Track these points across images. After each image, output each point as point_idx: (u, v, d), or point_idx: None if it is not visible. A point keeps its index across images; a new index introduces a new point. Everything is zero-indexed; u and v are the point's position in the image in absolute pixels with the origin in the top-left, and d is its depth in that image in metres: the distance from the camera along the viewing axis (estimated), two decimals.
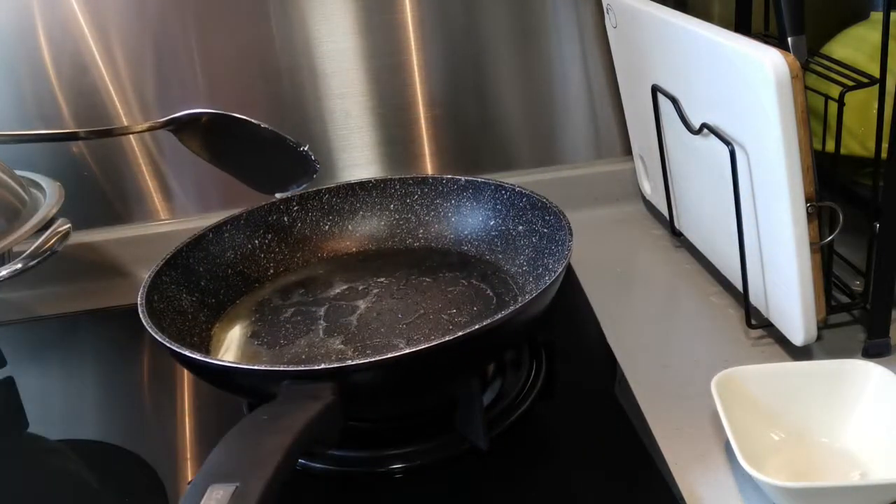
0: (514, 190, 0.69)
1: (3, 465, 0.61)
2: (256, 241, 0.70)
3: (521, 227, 0.68)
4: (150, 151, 0.86)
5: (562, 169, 0.91)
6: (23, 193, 0.70)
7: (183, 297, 0.62)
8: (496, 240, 0.70)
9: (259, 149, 0.61)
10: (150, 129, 0.60)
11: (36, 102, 0.83)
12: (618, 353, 0.66)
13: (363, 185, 0.74)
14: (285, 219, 0.72)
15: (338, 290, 0.67)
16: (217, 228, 0.68)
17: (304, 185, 0.69)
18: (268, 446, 0.41)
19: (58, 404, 0.69)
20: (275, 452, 0.41)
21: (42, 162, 0.83)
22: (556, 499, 0.52)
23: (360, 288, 0.67)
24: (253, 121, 0.60)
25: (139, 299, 0.56)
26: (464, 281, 0.67)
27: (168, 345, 0.52)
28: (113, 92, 0.83)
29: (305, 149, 0.62)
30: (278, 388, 0.47)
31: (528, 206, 0.68)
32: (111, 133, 0.63)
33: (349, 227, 0.74)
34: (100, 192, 0.87)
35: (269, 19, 0.83)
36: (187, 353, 0.51)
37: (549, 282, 0.54)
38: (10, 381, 0.71)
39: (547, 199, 0.66)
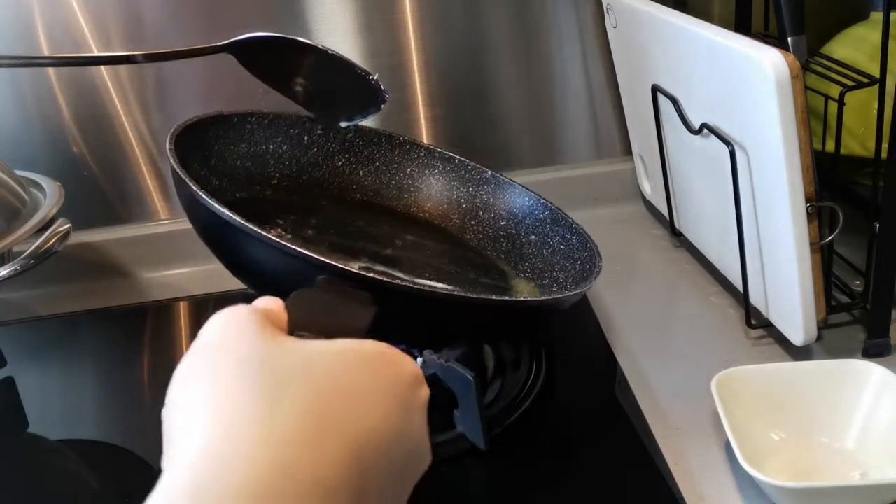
0: (538, 201, 0.68)
1: (3, 465, 0.61)
2: (272, 146, 0.68)
3: (533, 237, 0.68)
4: (150, 151, 0.86)
5: (562, 169, 0.91)
6: (23, 193, 0.70)
7: (194, 165, 0.60)
8: (502, 240, 0.70)
9: (324, 76, 0.58)
10: (209, 53, 0.56)
11: (36, 102, 0.83)
12: (618, 353, 0.66)
13: (390, 139, 0.72)
14: (305, 137, 0.70)
15: (345, 230, 0.66)
16: (242, 116, 0.66)
17: (371, 115, 0.66)
18: (351, 320, 0.39)
19: (58, 404, 0.69)
20: (360, 331, 0.39)
21: (42, 162, 0.83)
22: (556, 499, 0.52)
23: (366, 235, 0.66)
24: (319, 46, 0.57)
25: (169, 143, 0.54)
26: (467, 266, 0.66)
27: (208, 202, 0.48)
28: (113, 92, 0.83)
29: (374, 78, 0.59)
30: (313, 279, 0.44)
31: (549, 220, 0.67)
32: (167, 56, 0.59)
33: (360, 172, 0.72)
34: (100, 192, 0.87)
35: (270, 20, 0.83)
36: (234, 217, 0.47)
37: (587, 286, 0.56)
38: (10, 381, 0.71)
39: (573, 220, 0.66)
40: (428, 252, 0.66)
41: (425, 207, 0.72)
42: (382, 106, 0.64)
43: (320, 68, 0.58)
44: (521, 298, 0.50)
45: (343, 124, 0.67)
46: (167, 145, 0.54)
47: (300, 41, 0.57)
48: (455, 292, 0.48)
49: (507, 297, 0.49)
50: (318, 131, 0.70)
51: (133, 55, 0.58)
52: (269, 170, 0.68)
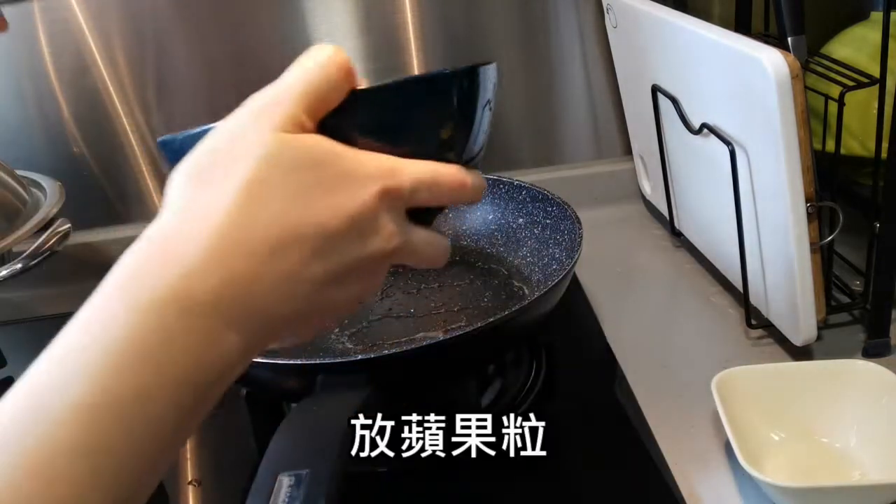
0: (512, 184, 0.70)
1: None
2: None
3: (521, 220, 0.69)
4: (150, 151, 0.86)
5: (562, 169, 0.91)
6: (23, 193, 0.70)
7: None
8: (496, 233, 0.71)
9: None
10: None
11: (36, 102, 0.83)
12: (618, 353, 0.66)
13: None
14: None
15: None
16: None
17: None
18: (327, 433, 0.42)
19: None
20: (336, 438, 0.41)
21: (43, 162, 0.83)
22: (556, 499, 0.52)
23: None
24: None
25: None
26: (469, 274, 0.67)
27: None
28: (113, 92, 0.83)
29: None
30: (314, 381, 0.47)
31: (527, 199, 0.69)
32: None
33: None
34: (100, 192, 0.87)
35: (270, 19, 0.83)
36: None
37: (571, 264, 0.56)
38: (10, 382, 0.70)
39: (548, 191, 0.67)
40: (430, 277, 0.68)
41: None
42: None
43: None
44: (511, 310, 0.50)
45: None
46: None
47: None
48: (437, 339, 0.49)
49: (496, 316, 0.50)
50: None
51: None
52: None
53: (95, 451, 0.26)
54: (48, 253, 0.64)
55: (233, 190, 0.29)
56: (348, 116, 0.32)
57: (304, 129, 0.31)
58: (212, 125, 0.32)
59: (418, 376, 0.52)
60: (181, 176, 0.30)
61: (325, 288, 0.31)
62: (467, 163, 0.35)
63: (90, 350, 0.27)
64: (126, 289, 0.28)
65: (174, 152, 0.33)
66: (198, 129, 0.33)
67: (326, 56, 0.31)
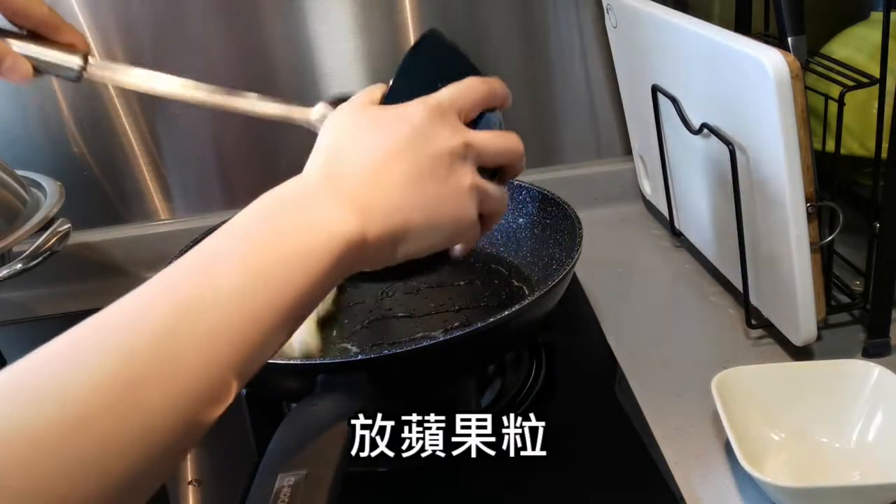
0: (512, 183, 0.70)
1: None
2: None
3: (521, 220, 0.69)
4: (150, 151, 0.86)
5: (562, 169, 0.91)
6: (23, 193, 0.70)
7: None
8: (496, 233, 0.71)
9: None
10: None
11: (36, 102, 0.83)
12: (618, 353, 0.66)
13: None
14: None
15: (345, 292, 0.67)
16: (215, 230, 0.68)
17: None
18: (327, 433, 0.42)
19: None
20: (335, 439, 0.41)
21: (42, 162, 0.83)
22: (556, 499, 0.52)
23: (366, 287, 0.67)
24: None
25: None
26: (469, 274, 0.67)
27: None
28: (113, 92, 0.83)
29: None
30: (313, 381, 0.48)
31: (527, 199, 0.69)
32: None
33: None
34: (100, 192, 0.87)
35: (270, 19, 0.83)
36: None
37: (571, 264, 0.56)
38: None
39: (548, 191, 0.67)
40: (430, 277, 0.68)
41: None
42: None
43: None
44: (511, 310, 0.50)
45: None
46: None
47: None
48: (441, 338, 0.50)
49: (494, 318, 0.50)
50: None
51: None
52: None
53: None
54: (48, 253, 0.64)
55: (322, 147, 0.40)
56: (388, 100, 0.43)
57: None
58: None
59: (418, 376, 0.52)
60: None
61: (416, 182, 0.39)
62: None
63: (247, 234, 0.38)
64: (264, 204, 0.39)
65: None
66: None
67: (372, 87, 0.44)
